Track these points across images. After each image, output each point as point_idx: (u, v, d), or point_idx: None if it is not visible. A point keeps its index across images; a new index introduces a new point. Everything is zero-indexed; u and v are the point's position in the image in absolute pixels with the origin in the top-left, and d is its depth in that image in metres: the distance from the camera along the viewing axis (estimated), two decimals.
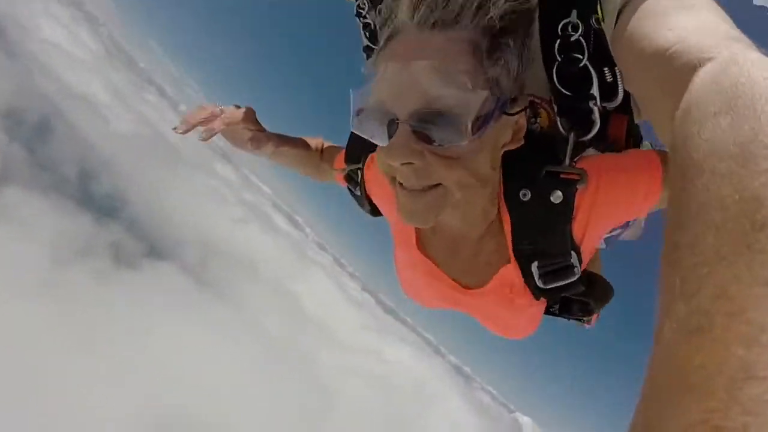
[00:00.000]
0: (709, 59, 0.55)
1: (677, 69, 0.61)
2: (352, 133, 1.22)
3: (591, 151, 0.99)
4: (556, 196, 0.92)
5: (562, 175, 0.92)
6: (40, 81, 19.93)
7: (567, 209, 0.93)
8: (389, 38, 0.88)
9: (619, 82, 0.89)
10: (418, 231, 1.15)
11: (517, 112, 0.87)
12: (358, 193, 1.30)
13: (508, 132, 0.89)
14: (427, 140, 0.81)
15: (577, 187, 0.91)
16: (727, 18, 0.71)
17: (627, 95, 0.94)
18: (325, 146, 1.54)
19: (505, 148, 0.90)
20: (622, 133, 0.97)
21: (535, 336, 1.30)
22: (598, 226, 0.99)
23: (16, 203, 15.10)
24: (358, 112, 0.88)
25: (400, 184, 0.88)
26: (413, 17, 0.82)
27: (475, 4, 0.80)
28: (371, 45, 1.22)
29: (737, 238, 0.31)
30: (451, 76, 0.78)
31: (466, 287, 1.13)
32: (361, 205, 1.34)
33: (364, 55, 1.26)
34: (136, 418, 14.65)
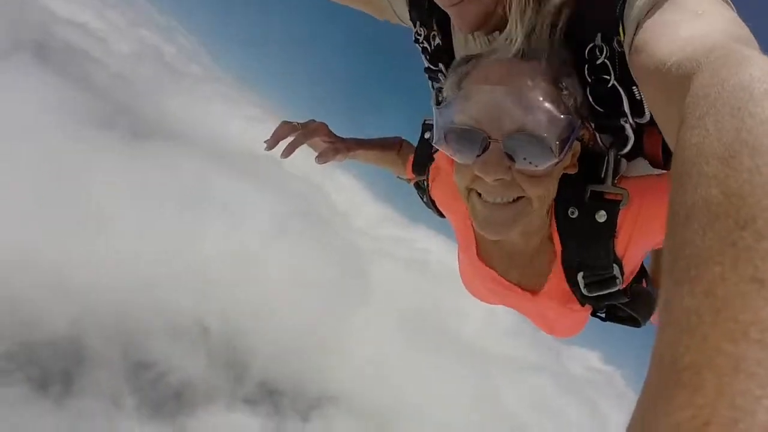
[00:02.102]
0: (706, 63, 0.56)
1: (678, 78, 0.61)
2: (419, 144, 1.41)
3: (632, 165, 1.10)
4: (601, 216, 1.02)
5: (606, 196, 1.03)
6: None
7: (610, 227, 1.03)
8: (475, 62, 0.96)
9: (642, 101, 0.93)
10: (478, 240, 1.31)
11: (581, 137, 0.97)
12: (425, 199, 1.47)
13: (570, 156, 0.96)
14: (515, 159, 0.90)
15: (620, 207, 1.01)
16: (737, 19, 0.71)
17: None
18: (403, 144, 1.67)
19: (565, 171, 1.00)
20: (658, 147, 1.02)
21: None
22: (640, 243, 1.08)
23: None
24: (447, 130, 0.95)
25: (479, 194, 0.97)
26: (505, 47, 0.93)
27: (547, 31, 0.92)
28: (432, 67, 1.30)
29: (723, 237, 0.31)
30: (540, 102, 0.87)
31: (523, 289, 1.28)
32: (429, 208, 1.50)
33: (426, 76, 1.35)
34: None
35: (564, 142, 0.89)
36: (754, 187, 0.33)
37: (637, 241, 1.06)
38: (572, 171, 1.00)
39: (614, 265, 1.09)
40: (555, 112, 0.87)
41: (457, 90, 0.96)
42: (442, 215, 1.48)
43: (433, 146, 1.25)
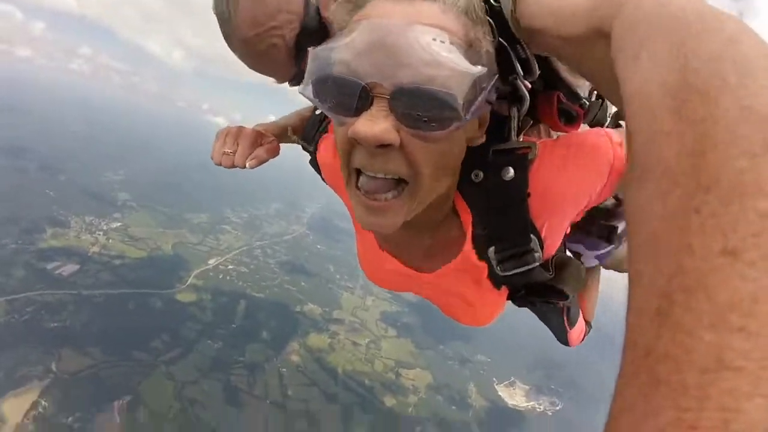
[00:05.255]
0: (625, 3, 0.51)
1: (599, 18, 0.56)
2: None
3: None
4: (508, 173, 0.87)
5: (513, 153, 0.87)
6: None
7: (521, 186, 0.88)
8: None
9: (530, 56, 0.82)
10: None
11: (494, 100, 0.82)
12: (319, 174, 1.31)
13: (476, 123, 0.84)
14: (408, 119, 0.70)
15: (529, 159, 0.87)
16: None
17: (553, 71, 0.94)
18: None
19: (470, 142, 0.85)
20: (553, 108, 0.94)
21: None
22: (557, 204, 0.91)
23: None
24: (318, 77, 0.75)
25: (359, 175, 0.79)
26: None
27: None
28: None
29: (685, 203, 0.28)
30: (447, 47, 0.68)
31: (421, 270, 1.11)
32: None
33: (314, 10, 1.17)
34: None
35: (471, 102, 0.71)
36: (714, 142, 0.29)
37: (554, 202, 0.91)
38: (479, 141, 0.87)
39: (531, 235, 0.93)
40: (462, 61, 0.69)
41: (343, 23, 0.78)
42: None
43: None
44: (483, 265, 1.01)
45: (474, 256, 1.00)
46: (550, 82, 0.93)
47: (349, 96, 0.71)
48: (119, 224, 68.34)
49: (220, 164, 1.28)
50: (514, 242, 0.95)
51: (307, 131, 1.30)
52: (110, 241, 61.58)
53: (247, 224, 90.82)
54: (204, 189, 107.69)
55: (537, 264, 0.97)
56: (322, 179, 1.31)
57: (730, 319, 0.23)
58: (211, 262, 67.02)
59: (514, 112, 0.88)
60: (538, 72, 0.83)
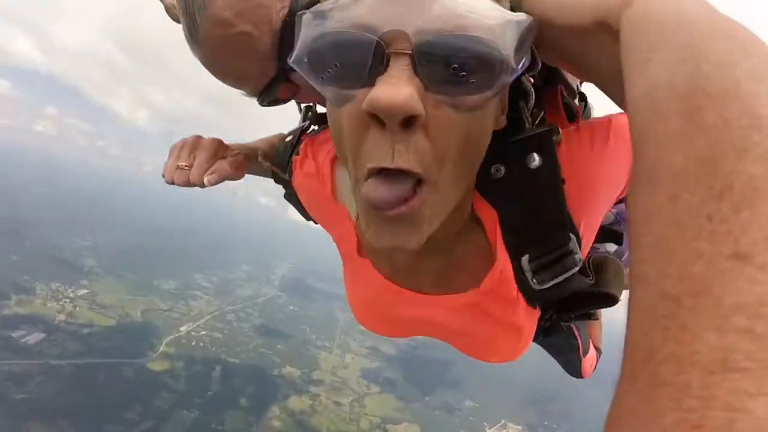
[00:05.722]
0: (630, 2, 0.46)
1: (604, 14, 0.50)
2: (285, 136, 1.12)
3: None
4: (533, 161, 0.72)
5: (532, 138, 0.72)
6: None
7: (553, 170, 0.73)
8: None
9: (533, 47, 0.63)
10: (360, 237, 0.93)
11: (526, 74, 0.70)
12: (289, 196, 1.13)
13: (499, 107, 0.67)
14: (439, 79, 0.52)
15: (555, 141, 0.72)
16: None
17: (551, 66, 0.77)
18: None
19: (496, 126, 0.67)
20: (557, 103, 0.82)
21: None
22: (594, 190, 0.78)
23: None
24: (318, 35, 0.56)
25: (370, 173, 0.55)
26: None
27: None
28: None
29: (695, 209, 0.28)
30: None
31: (435, 293, 0.89)
32: (296, 207, 1.15)
33: None
34: None
35: (519, 54, 0.54)
36: (725, 148, 0.29)
37: (588, 189, 0.78)
38: (501, 125, 0.69)
39: (570, 234, 0.77)
40: (501, 9, 0.55)
41: None
42: (310, 218, 1.14)
43: (300, 132, 1.05)
44: (515, 282, 0.83)
45: (509, 269, 0.81)
46: (549, 77, 0.82)
47: (360, 57, 0.52)
48: (86, 291, 65.10)
49: (173, 182, 1.05)
50: (551, 245, 0.78)
51: (279, 156, 1.11)
52: (77, 308, 58.40)
53: (218, 288, 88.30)
54: (173, 254, 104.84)
55: (577, 269, 0.80)
56: (301, 213, 1.13)
57: (736, 320, 0.23)
58: (183, 328, 64.50)
59: (522, 104, 0.73)
60: (540, 64, 0.64)
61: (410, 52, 0.51)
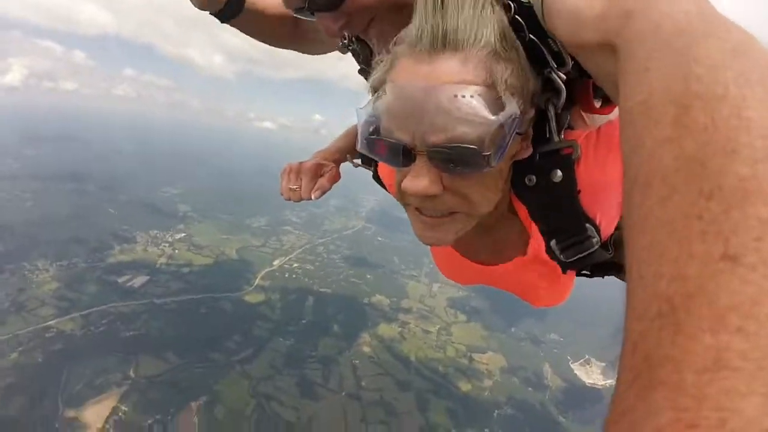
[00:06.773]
0: (633, 11, 0.51)
1: (612, 20, 0.56)
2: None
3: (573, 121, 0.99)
4: (556, 175, 0.92)
5: (557, 154, 0.91)
6: None
7: (570, 185, 0.94)
8: (398, 57, 0.83)
9: (562, 48, 0.81)
10: None
11: (527, 128, 0.87)
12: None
13: (518, 144, 0.88)
14: (446, 169, 0.80)
15: (574, 159, 0.91)
16: None
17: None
18: None
19: (516, 158, 0.91)
20: (588, 94, 0.93)
21: None
22: (607, 194, 0.96)
23: None
24: (369, 134, 0.86)
25: (416, 207, 0.90)
26: (421, 38, 0.78)
27: (476, 21, 0.76)
28: (366, 68, 1.27)
29: (685, 210, 0.29)
30: (467, 101, 0.74)
31: (490, 264, 1.23)
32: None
33: (363, 76, 1.29)
34: None
35: (500, 148, 0.78)
36: (715, 149, 0.29)
37: (603, 190, 0.96)
38: (525, 154, 0.91)
39: (587, 225, 0.99)
40: (483, 110, 0.74)
41: (380, 85, 0.85)
42: None
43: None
44: (548, 255, 1.09)
45: (542, 249, 1.08)
46: (583, 70, 0.89)
47: (395, 154, 0.81)
48: (183, 235, 71.00)
49: (290, 199, 1.38)
50: (571, 232, 1.01)
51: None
52: (176, 251, 63.95)
53: (308, 223, 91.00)
54: (261, 194, 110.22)
55: (596, 247, 1.02)
56: (386, 190, 1.37)
57: (729, 320, 0.24)
58: (276, 262, 67.32)
59: (551, 108, 0.88)
60: (570, 63, 0.83)
61: (425, 153, 0.78)
